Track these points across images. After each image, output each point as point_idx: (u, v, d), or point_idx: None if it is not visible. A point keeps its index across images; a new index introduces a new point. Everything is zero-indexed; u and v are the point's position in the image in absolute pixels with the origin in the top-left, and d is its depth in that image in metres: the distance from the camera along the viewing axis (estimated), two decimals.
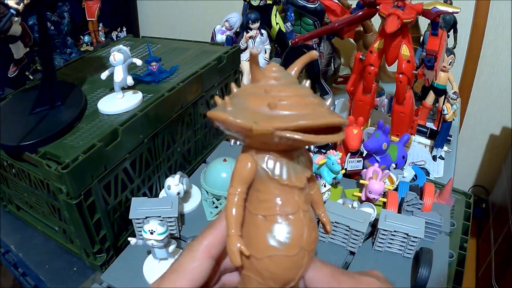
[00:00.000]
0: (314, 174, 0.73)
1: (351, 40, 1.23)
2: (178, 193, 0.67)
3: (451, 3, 0.90)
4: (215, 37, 1.16)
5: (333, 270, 0.27)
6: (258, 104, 0.22)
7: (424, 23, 1.07)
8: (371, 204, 0.68)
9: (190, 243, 0.27)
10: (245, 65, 1.06)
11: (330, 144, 0.82)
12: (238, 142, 0.81)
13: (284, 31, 1.12)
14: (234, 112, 0.22)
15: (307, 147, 0.80)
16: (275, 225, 0.24)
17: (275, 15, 1.09)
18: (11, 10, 0.51)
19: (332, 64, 1.15)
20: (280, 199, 0.24)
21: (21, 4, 0.52)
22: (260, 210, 0.24)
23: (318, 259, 0.28)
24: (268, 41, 1.09)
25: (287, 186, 0.24)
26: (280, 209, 0.24)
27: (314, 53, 0.25)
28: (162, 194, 0.75)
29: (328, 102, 0.24)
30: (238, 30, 1.16)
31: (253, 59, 0.24)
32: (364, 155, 0.79)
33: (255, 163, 0.24)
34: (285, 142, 0.22)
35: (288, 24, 1.16)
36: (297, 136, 0.21)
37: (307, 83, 0.25)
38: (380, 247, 0.63)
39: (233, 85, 0.25)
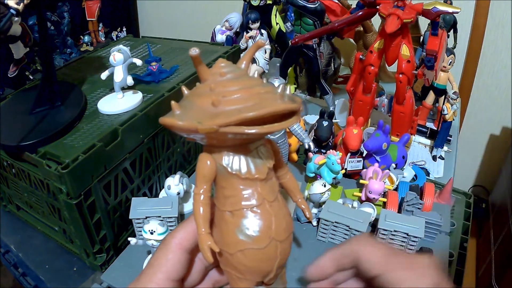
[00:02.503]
0: (314, 174, 0.73)
1: (351, 40, 1.23)
2: (178, 193, 0.67)
3: (451, 3, 0.90)
4: (215, 37, 1.16)
5: (388, 250, 0.27)
6: (203, 103, 0.22)
7: (424, 23, 1.07)
8: (371, 204, 0.68)
9: (164, 237, 0.28)
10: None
11: (330, 144, 0.82)
12: None
13: (284, 31, 1.12)
14: (181, 115, 0.22)
15: (306, 146, 0.80)
16: (242, 220, 0.24)
17: (275, 15, 1.09)
18: (11, 10, 0.51)
19: (332, 64, 1.15)
20: (243, 193, 0.24)
21: (21, 4, 0.52)
22: (227, 206, 0.25)
23: (373, 238, 0.28)
24: (268, 41, 1.09)
25: (247, 179, 0.24)
26: (244, 203, 0.24)
27: (260, 42, 0.25)
28: (162, 194, 0.75)
29: (280, 88, 0.23)
30: (238, 30, 1.16)
31: (195, 60, 0.23)
32: (364, 155, 0.79)
33: (214, 161, 0.24)
34: (239, 137, 0.22)
35: (288, 24, 1.16)
36: (241, 130, 0.21)
37: (256, 74, 0.25)
38: None
39: (183, 87, 0.25)
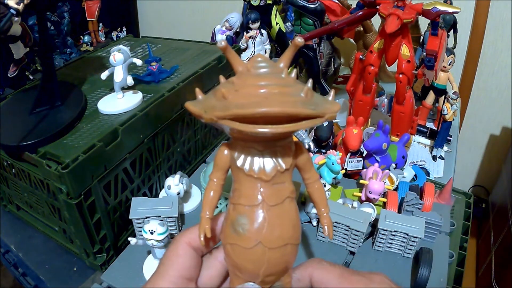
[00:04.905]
0: None
1: (351, 40, 1.23)
2: (178, 193, 0.67)
3: (451, 3, 0.90)
4: (215, 37, 1.16)
5: (343, 271, 0.27)
6: (219, 94, 0.22)
7: (424, 23, 1.07)
8: (371, 204, 0.67)
9: (175, 237, 0.28)
10: None
11: (330, 144, 0.82)
12: None
13: (284, 31, 1.12)
14: (198, 102, 0.23)
15: (306, 146, 0.80)
16: (237, 215, 0.24)
17: (275, 15, 1.09)
18: (11, 10, 0.51)
19: (332, 64, 1.15)
20: (245, 190, 0.24)
21: (21, 4, 0.52)
22: (233, 198, 0.25)
23: (325, 260, 0.28)
24: (268, 41, 1.09)
25: (251, 176, 0.24)
26: (244, 199, 0.24)
27: (297, 41, 0.24)
28: (162, 194, 0.75)
29: (304, 90, 0.22)
30: (238, 30, 1.16)
31: (225, 51, 0.23)
32: (364, 155, 0.79)
33: (230, 152, 0.25)
34: (251, 134, 0.22)
35: (288, 24, 1.16)
36: (232, 124, 0.21)
37: (294, 74, 0.24)
38: (380, 247, 0.63)
39: (221, 77, 0.25)
